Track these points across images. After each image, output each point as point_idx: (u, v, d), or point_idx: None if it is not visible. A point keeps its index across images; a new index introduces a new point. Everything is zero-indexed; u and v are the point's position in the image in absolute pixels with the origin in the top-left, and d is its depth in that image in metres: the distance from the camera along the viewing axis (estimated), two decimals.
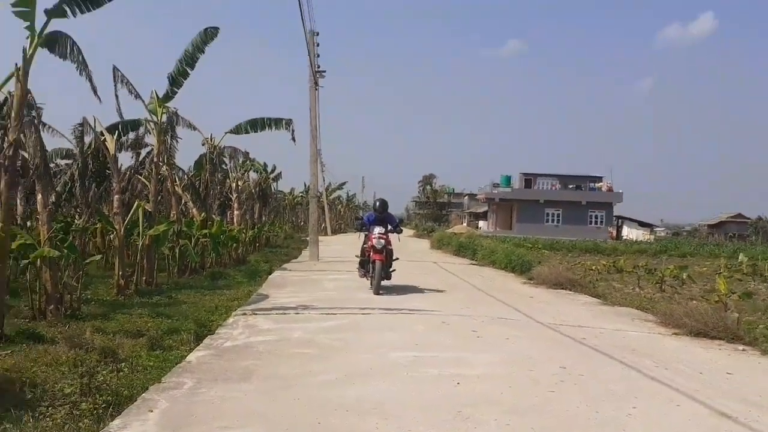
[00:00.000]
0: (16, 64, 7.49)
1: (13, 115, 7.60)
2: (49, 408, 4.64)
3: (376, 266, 12.02)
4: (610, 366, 6.68)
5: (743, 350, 7.94)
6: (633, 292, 14.42)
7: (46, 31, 7.83)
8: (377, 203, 13.30)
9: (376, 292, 11.85)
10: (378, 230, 12.46)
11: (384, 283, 12.37)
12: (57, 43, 8.49)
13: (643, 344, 8.02)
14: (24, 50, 7.53)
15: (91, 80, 9.08)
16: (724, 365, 6.98)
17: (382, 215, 12.91)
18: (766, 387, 6.09)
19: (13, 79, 7.60)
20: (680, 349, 7.88)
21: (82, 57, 8.87)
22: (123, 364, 6.06)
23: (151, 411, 4.62)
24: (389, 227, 12.81)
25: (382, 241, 12.28)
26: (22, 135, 7.87)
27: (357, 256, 13.47)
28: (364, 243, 12.97)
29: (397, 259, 13.00)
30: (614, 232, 60.49)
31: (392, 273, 12.73)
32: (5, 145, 7.68)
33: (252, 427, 4.38)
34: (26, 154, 8.87)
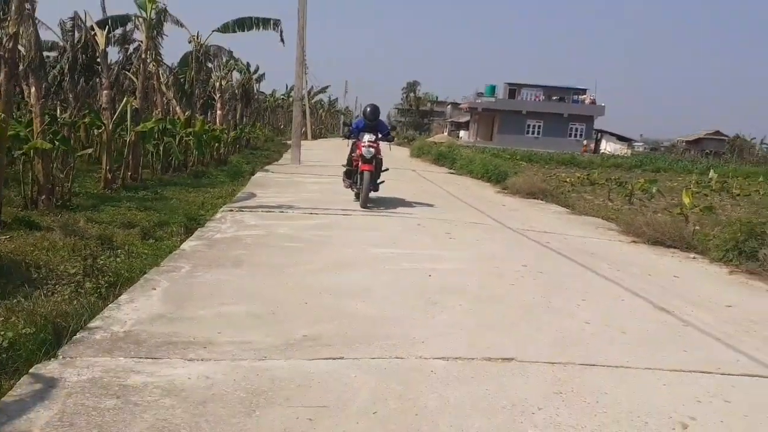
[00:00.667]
0: None
1: (13, 8, 7.72)
2: (56, 286, 5.00)
3: (365, 177, 11.00)
4: (568, 266, 7.32)
5: (694, 258, 8.59)
6: (602, 203, 15.04)
7: None
8: (368, 109, 11.78)
9: (364, 205, 10.89)
10: (368, 138, 11.31)
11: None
12: None
13: (602, 249, 8.67)
14: None
15: None
16: (672, 269, 7.65)
17: (373, 122, 11.63)
18: (706, 289, 6.74)
19: None
20: (636, 254, 8.54)
21: None
22: (119, 250, 6.43)
23: (154, 289, 5.14)
24: (380, 135, 11.70)
25: (372, 149, 11.20)
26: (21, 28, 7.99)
27: (343, 165, 12.29)
28: (352, 151, 11.85)
29: (387, 169, 11.99)
30: (590, 146, 60.72)
31: (380, 185, 11.72)
32: (4, 37, 7.80)
33: (246, 304, 4.93)
34: (21, 47, 8.96)
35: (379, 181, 11.60)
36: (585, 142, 62.12)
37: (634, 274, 7.13)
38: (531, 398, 3.56)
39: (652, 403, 3.58)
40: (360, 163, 11.27)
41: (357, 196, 11.53)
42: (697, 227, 10.40)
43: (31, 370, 3.40)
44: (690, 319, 5.43)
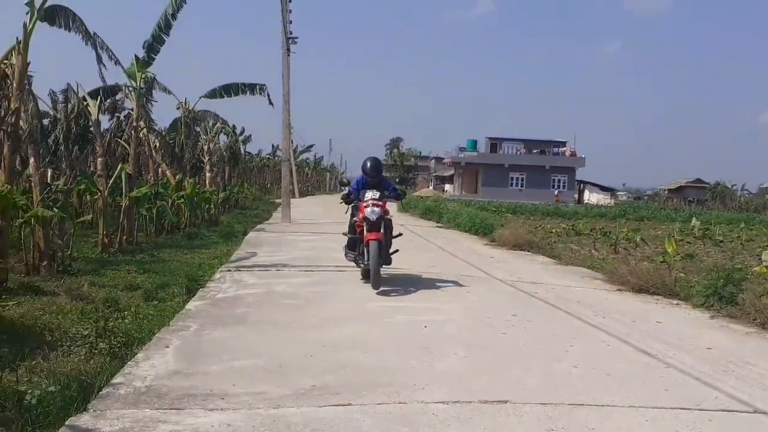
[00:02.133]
0: (17, 38, 8.06)
1: (14, 85, 8.21)
2: (71, 347, 5.26)
3: (371, 250, 8.63)
4: (555, 314, 7.69)
5: (677, 304, 8.96)
6: (588, 253, 15.40)
7: (46, 5, 8.39)
8: (368, 164, 9.62)
9: (376, 287, 8.56)
10: (371, 195, 9.14)
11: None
12: (56, 16, 9.03)
13: (588, 298, 9.04)
14: (24, 25, 8.08)
15: (96, 48, 9.65)
16: (655, 316, 8.01)
17: (375, 179, 9.53)
18: (688, 333, 7.10)
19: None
20: (620, 302, 8.91)
21: (85, 27, 9.45)
22: (125, 312, 6.70)
23: (167, 347, 5.44)
24: (385, 193, 9.46)
25: (377, 209, 8.91)
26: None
27: (344, 234, 10.03)
28: (353, 216, 9.65)
29: (400, 234, 10.03)
30: (559, 197, 61.11)
31: (393, 255, 9.38)
32: (6, 112, 8.24)
33: (254, 358, 5.24)
34: (21, 121, 9.41)
35: (391, 251, 9.29)
36: (556, 192, 62.92)
37: (619, 320, 7.49)
38: None
39: None
40: (364, 230, 8.94)
41: (365, 273, 9.21)
42: (682, 274, 10.80)
43: (66, 423, 3.69)
44: (672, 361, 5.78)
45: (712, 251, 17.39)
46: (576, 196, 68.11)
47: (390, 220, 9.28)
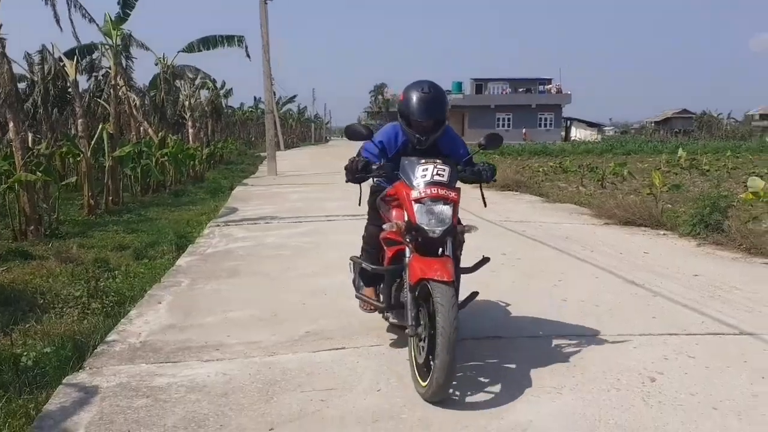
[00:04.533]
0: None
1: None
2: (64, 308, 5.28)
3: (438, 304, 3.40)
4: (544, 251, 7.77)
5: (664, 234, 9.07)
6: (576, 190, 15.54)
7: None
8: (416, 93, 3.96)
9: (440, 395, 3.44)
10: (432, 169, 3.80)
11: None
12: None
13: (576, 233, 9.12)
14: None
15: (54, 8, 9.41)
16: (642, 246, 8.11)
17: (429, 133, 4.04)
18: (674, 262, 7.19)
19: None
20: (608, 235, 9.00)
21: None
22: (116, 272, 6.74)
23: (160, 303, 5.47)
24: (458, 166, 4.09)
25: (447, 207, 3.75)
26: None
27: (353, 259, 4.75)
28: (375, 216, 4.44)
29: (486, 261, 4.40)
30: (527, 135, 60.41)
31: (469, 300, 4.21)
32: None
33: (248, 309, 5.28)
34: None
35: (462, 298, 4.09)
36: (524, 130, 62.38)
37: (607, 253, 7.57)
38: (517, 365, 3.99)
39: (623, 364, 4.00)
40: (407, 254, 3.86)
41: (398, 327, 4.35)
42: (668, 205, 10.92)
43: (64, 381, 3.73)
44: (659, 289, 5.87)
45: (699, 181, 17.53)
46: (563, 133, 67.98)
47: (463, 232, 3.97)
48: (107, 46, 13.92)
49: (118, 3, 13.01)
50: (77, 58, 13.98)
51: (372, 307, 4.46)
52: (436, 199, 3.69)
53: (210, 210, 12.34)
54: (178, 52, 18.85)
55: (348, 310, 5.17)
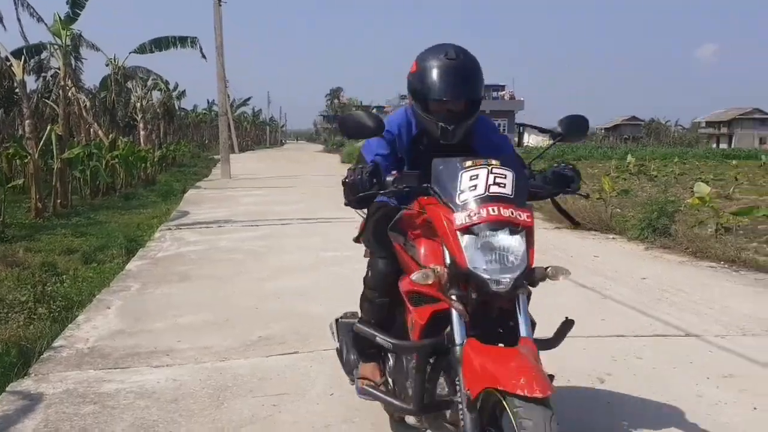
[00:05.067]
0: None
1: None
2: (9, 314, 5.10)
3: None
4: None
5: (613, 238, 9.28)
6: None
7: None
8: (447, 56, 2.51)
9: None
10: (482, 175, 2.30)
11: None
12: None
13: None
14: None
15: (16, 5, 9.12)
16: (593, 250, 8.28)
17: (460, 121, 2.56)
18: (622, 265, 7.36)
19: None
20: (558, 239, 9.15)
21: None
22: (64, 276, 6.57)
23: (109, 308, 5.36)
24: (528, 170, 2.68)
25: (518, 242, 2.28)
26: None
27: (343, 317, 3.49)
28: (379, 248, 2.86)
29: (572, 324, 2.74)
30: None
31: None
32: None
33: (200, 314, 5.21)
34: None
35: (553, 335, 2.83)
36: None
37: (557, 256, 7.68)
38: None
39: (573, 366, 4.05)
40: (454, 324, 2.30)
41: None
42: (618, 210, 11.16)
43: (7, 388, 3.62)
44: (608, 292, 6.00)
45: (647, 186, 17.99)
46: (516, 139, 68.84)
47: (545, 278, 2.68)
48: (56, 46, 13.60)
49: (68, 2, 12.71)
50: (25, 58, 13.62)
51: (383, 400, 2.75)
52: (498, 224, 2.25)
53: (161, 213, 12.14)
54: (130, 53, 18.58)
55: (301, 313, 5.16)
